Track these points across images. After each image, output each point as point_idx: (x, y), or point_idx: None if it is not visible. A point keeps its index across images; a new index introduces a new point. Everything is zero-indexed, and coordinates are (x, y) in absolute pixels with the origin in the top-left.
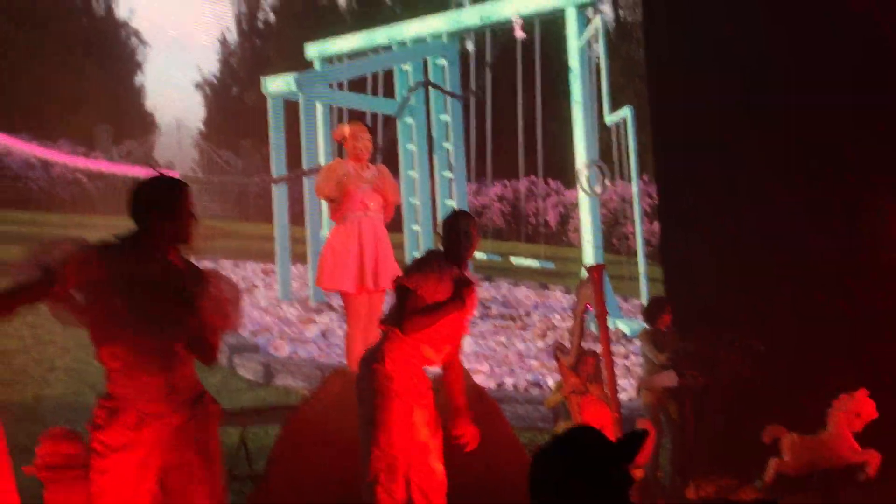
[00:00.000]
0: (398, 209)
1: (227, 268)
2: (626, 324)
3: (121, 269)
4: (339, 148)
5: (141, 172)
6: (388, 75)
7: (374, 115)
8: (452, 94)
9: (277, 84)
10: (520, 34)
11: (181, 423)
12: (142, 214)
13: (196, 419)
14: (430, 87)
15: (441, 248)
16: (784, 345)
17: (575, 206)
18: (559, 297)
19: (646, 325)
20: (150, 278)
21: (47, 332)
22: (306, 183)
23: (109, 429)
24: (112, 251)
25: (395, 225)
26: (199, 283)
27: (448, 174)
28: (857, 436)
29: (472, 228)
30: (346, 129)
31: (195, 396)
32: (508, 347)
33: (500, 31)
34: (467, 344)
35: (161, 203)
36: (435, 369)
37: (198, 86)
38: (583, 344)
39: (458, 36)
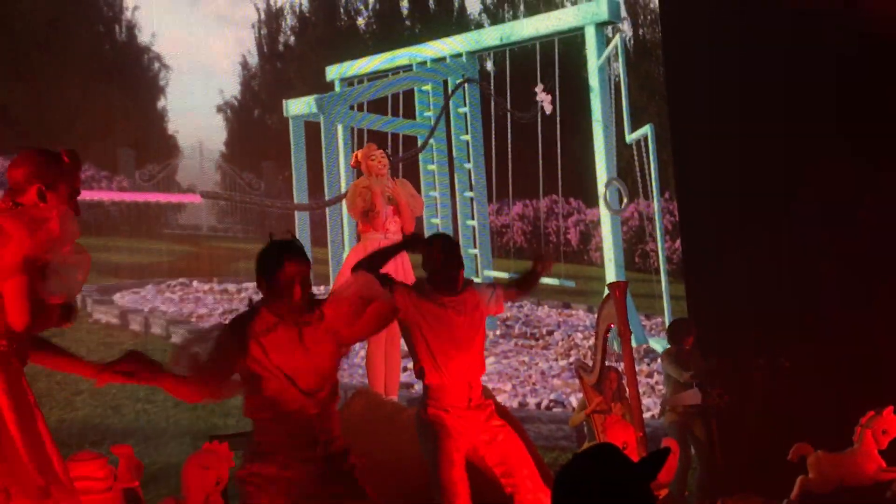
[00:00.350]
0: (419, 228)
1: (249, 289)
2: (657, 342)
3: (254, 338)
4: (360, 173)
5: (164, 198)
6: (409, 96)
7: (395, 136)
8: (482, 87)
9: (298, 106)
10: (548, 108)
11: (325, 473)
12: (256, 277)
13: (343, 471)
14: (449, 113)
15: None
16: (810, 362)
17: (596, 224)
18: (582, 316)
19: (668, 345)
20: (283, 337)
21: None
22: None
23: (256, 467)
24: (243, 323)
25: None
26: (328, 304)
27: (469, 194)
28: (883, 453)
29: (460, 276)
30: (359, 153)
31: (341, 450)
32: (531, 366)
33: (519, 50)
34: (489, 363)
35: (263, 269)
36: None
37: (219, 108)
38: (605, 362)
39: (478, 56)
